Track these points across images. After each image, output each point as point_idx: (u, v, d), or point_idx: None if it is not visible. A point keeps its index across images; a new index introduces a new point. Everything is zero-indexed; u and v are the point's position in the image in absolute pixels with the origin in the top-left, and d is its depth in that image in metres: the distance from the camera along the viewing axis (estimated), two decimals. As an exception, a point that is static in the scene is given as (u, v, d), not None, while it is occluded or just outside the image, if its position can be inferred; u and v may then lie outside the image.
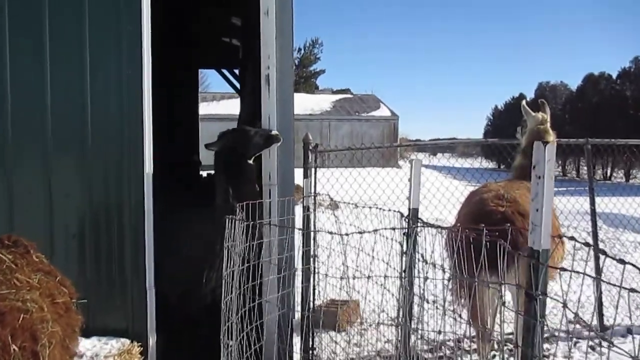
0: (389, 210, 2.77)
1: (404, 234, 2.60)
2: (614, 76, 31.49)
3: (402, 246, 2.57)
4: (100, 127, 4.03)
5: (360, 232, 2.12)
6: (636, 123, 26.15)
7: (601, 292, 5.44)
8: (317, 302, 4.71)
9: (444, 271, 2.08)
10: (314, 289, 4.52)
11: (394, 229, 2.57)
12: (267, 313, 3.67)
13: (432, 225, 2.15)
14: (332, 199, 4.20)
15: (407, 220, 2.58)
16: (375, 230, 2.09)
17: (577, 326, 5.15)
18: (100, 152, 4.05)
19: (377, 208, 2.98)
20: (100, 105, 4.03)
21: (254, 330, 2.99)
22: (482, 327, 3.62)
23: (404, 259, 2.57)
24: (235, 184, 4.29)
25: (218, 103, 32.67)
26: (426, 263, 2.26)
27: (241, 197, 4.13)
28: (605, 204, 7.28)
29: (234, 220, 2.96)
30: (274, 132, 4.24)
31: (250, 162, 4.37)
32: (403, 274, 2.59)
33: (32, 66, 3.95)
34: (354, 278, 2.69)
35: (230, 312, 2.87)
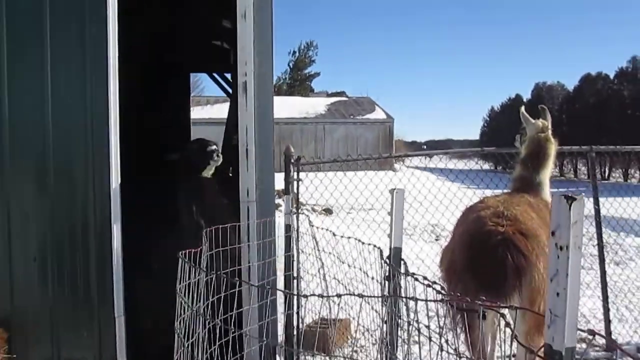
0: (369, 244, 2.43)
1: (385, 277, 2.26)
2: (612, 76, 31.21)
3: (381, 288, 2.24)
4: (61, 137, 3.71)
5: (338, 295, 1.78)
6: (634, 123, 25.90)
7: (608, 309, 5.10)
8: (307, 321, 4.38)
9: (428, 328, 1.74)
10: (298, 311, 4.20)
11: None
12: (249, 345, 3.35)
13: (418, 277, 1.80)
14: (311, 224, 3.86)
15: (387, 262, 2.23)
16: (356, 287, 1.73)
17: (583, 345, 4.80)
18: (62, 166, 3.72)
19: (356, 240, 2.64)
20: (61, 111, 3.70)
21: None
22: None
23: (384, 308, 2.23)
24: (196, 199, 4.08)
25: (212, 107, 32.30)
26: (411, 320, 1.93)
27: (205, 212, 3.94)
28: (605, 206, 6.96)
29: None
30: (213, 147, 4.16)
31: (207, 175, 4.23)
32: (384, 320, 2.26)
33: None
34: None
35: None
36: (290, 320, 3.91)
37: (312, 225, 3.73)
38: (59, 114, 3.71)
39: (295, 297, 3.93)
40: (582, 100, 31.14)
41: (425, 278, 1.77)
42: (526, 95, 36.78)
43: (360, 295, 1.72)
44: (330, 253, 3.14)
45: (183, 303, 2.33)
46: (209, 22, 8.79)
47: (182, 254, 2.42)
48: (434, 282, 1.73)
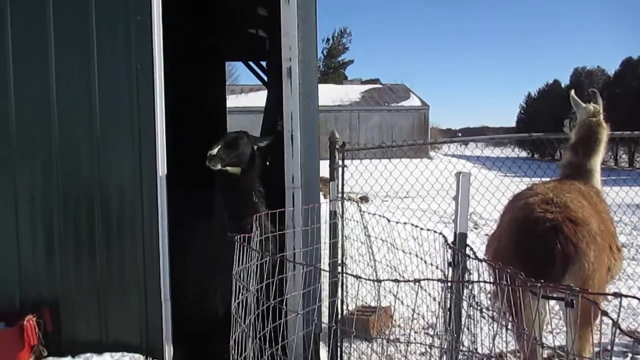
0: (427, 230, 2.36)
1: (448, 264, 2.20)
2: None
3: (444, 276, 2.17)
4: (107, 126, 3.75)
5: (396, 281, 1.71)
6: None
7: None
8: (350, 308, 4.36)
9: (493, 319, 1.67)
10: (342, 298, 4.18)
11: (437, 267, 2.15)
12: (293, 330, 3.35)
13: (485, 261, 1.74)
14: (360, 210, 3.80)
15: (452, 248, 2.16)
16: (415, 282, 1.67)
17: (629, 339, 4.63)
18: (111, 154, 3.76)
19: (412, 225, 2.58)
20: (109, 103, 3.74)
21: (279, 350, 2.64)
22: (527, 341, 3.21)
23: (446, 294, 2.16)
24: (225, 195, 3.90)
25: (247, 95, 32.47)
26: (477, 305, 1.87)
27: (231, 209, 3.82)
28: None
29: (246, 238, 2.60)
30: (212, 151, 3.68)
31: (235, 172, 3.87)
32: (447, 319, 2.18)
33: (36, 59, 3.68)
34: (395, 281, 2.24)
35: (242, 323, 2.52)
36: (334, 306, 3.88)
37: (363, 212, 3.68)
38: (105, 103, 3.75)
39: (339, 283, 3.90)
40: (624, 85, 30.11)
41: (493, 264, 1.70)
42: (565, 81, 35.87)
43: (416, 280, 1.67)
44: (384, 240, 3.08)
45: (240, 286, 2.31)
46: (245, 10, 8.79)
47: (238, 238, 2.41)
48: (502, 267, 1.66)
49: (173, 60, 3.85)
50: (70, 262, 3.76)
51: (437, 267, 2.29)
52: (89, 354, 3.64)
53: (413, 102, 34.83)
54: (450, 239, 2.34)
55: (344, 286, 4.11)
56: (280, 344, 2.74)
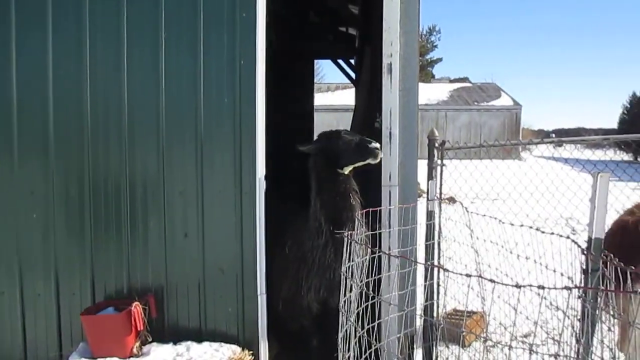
0: (552, 233, 2.20)
1: (582, 270, 2.04)
2: None
3: (572, 283, 2.01)
4: (212, 121, 3.85)
5: (518, 286, 1.58)
6: None
7: None
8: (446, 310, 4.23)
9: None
10: (437, 298, 4.06)
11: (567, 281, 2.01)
12: (391, 330, 3.30)
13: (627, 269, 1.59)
14: (465, 209, 3.65)
15: (586, 254, 2.01)
16: (541, 288, 1.53)
17: None
18: (211, 153, 3.87)
19: (535, 229, 2.42)
20: (212, 99, 3.84)
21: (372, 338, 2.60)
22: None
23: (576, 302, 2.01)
24: (324, 195, 3.82)
25: (333, 94, 32.71)
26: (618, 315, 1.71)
27: (329, 210, 3.75)
28: None
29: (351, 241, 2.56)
30: (373, 144, 3.67)
31: (344, 172, 3.81)
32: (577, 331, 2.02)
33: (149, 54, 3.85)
34: (517, 286, 2.10)
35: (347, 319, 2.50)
36: (430, 309, 3.78)
37: (469, 212, 3.55)
38: (209, 104, 3.86)
39: (435, 286, 3.79)
40: None
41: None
42: (675, 79, 33.00)
43: (568, 288, 1.55)
44: (493, 242, 2.94)
45: (349, 282, 2.30)
46: (337, 7, 8.81)
47: (347, 235, 2.39)
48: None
49: (267, 58, 3.87)
50: (177, 253, 3.91)
51: (561, 274, 2.14)
52: (189, 342, 3.76)
53: (504, 101, 33.59)
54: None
55: (440, 288, 3.99)
56: (379, 344, 2.69)
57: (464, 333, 4.08)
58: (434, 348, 3.84)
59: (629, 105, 39.69)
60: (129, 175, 3.89)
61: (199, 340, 3.81)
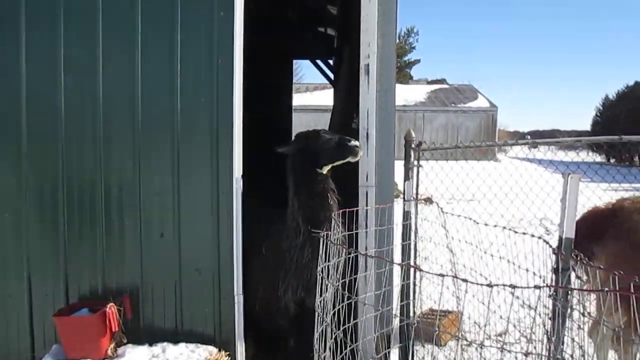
0: (524, 233, 2.24)
1: (553, 269, 2.08)
2: None
3: (544, 282, 2.05)
4: (188, 124, 3.82)
5: (490, 285, 1.61)
6: None
7: None
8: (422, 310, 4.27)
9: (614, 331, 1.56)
10: (413, 298, 4.09)
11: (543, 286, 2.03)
12: (367, 330, 3.31)
13: (601, 268, 1.63)
14: (441, 210, 3.70)
15: (557, 253, 2.05)
16: (513, 287, 1.56)
17: None
18: (188, 153, 3.84)
19: (508, 230, 2.47)
20: (189, 96, 3.82)
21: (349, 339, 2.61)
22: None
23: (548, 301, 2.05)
24: (302, 195, 3.80)
25: (311, 94, 32.72)
26: (588, 315, 1.76)
27: (307, 211, 3.75)
28: None
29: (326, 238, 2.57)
30: (353, 142, 3.68)
31: (323, 172, 3.80)
32: (547, 328, 2.07)
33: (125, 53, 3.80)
34: (489, 286, 2.13)
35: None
36: (406, 309, 3.81)
37: (445, 212, 3.59)
38: (186, 103, 3.83)
39: (412, 286, 3.83)
40: None
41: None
42: (647, 84, 33.77)
43: (538, 287, 1.58)
44: (468, 242, 2.99)
45: (325, 283, 2.30)
46: (316, 8, 8.82)
47: (323, 235, 2.39)
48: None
49: (245, 57, 3.86)
50: (153, 253, 3.88)
51: (534, 274, 2.18)
52: (165, 343, 3.73)
53: (481, 103, 34.00)
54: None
55: (416, 288, 4.03)
56: (355, 344, 2.71)
57: (438, 332, 4.12)
58: (410, 347, 3.87)
59: (601, 108, 40.52)
60: (104, 175, 3.84)
61: (175, 341, 3.78)
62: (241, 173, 3.83)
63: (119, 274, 3.88)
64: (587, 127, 43.15)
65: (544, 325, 2.11)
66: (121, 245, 3.87)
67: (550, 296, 2.04)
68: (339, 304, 2.62)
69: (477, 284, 1.76)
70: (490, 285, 1.67)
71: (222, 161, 3.81)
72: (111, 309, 3.62)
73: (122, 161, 3.84)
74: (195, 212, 3.86)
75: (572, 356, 1.98)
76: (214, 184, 3.83)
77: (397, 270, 3.96)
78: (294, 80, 13.81)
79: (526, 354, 1.79)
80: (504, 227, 2.58)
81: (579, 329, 2.07)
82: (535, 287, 1.61)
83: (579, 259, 1.96)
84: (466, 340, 3.62)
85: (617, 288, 1.56)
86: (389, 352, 3.83)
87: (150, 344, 3.73)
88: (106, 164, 3.83)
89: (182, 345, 3.76)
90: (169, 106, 3.80)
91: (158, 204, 3.86)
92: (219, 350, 3.77)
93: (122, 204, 3.86)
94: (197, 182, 3.85)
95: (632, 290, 1.60)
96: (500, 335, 4.75)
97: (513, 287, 1.67)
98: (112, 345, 3.65)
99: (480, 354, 3.25)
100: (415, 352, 3.99)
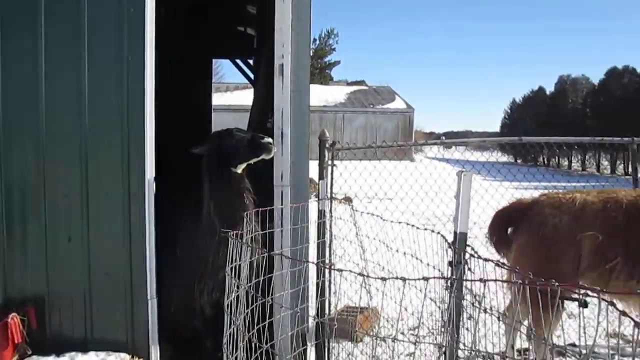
0: (425, 229, 2.36)
1: (448, 263, 2.20)
2: (639, 70, 30.44)
3: (449, 273, 2.16)
4: (97, 125, 3.69)
5: (383, 279, 1.69)
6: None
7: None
8: (338, 308, 4.35)
9: (499, 319, 1.68)
10: (329, 298, 4.17)
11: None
12: (281, 329, 3.33)
13: (491, 261, 1.74)
14: (353, 208, 3.79)
15: (452, 247, 2.17)
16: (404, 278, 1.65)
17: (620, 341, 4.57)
18: (97, 153, 3.70)
19: (410, 225, 2.57)
20: (97, 97, 3.68)
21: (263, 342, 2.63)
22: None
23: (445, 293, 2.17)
24: (218, 196, 3.79)
25: (232, 94, 32.37)
26: (479, 305, 1.87)
27: (224, 211, 3.73)
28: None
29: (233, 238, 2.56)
30: (266, 139, 3.71)
31: (238, 171, 3.81)
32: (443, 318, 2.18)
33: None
34: (382, 279, 2.22)
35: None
36: (322, 307, 3.87)
37: (355, 210, 3.67)
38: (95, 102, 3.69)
39: (327, 284, 3.89)
40: (608, 94, 30.46)
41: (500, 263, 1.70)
42: (549, 88, 36.17)
43: (403, 279, 1.67)
44: (375, 239, 3.08)
45: (233, 283, 2.30)
46: (234, 7, 8.75)
47: (231, 235, 2.39)
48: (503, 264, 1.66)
49: (160, 56, 3.78)
50: (60, 258, 3.70)
51: (434, 267, 2.30)
52: (73, 353, 3.57)
53: (398, 104, 35.04)
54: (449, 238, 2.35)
55: (332, 285, 4.10)
56: (270, 343, 2.72)
57: (352, 329, 4.22)
58: (326, 345, 3.94)
59: (509, 111, 42.94)
60: (5, 175, 3.64)
61: (85, 350, 3.63)
62: (154, 174, 3.74)
63: (22, 281, 3.68)
64: (498, 128, 45.56)
65: (442, 317, 2.23)
66: (24, 251, 3.67)
67: (446, 288, 2.16)
68: (252, 304, 2.63)
69: (374, 277, 1.84)
70: (383, 279, 1.75)
71: (133, 162, 3.70)
72: (13, 319, 3.43)
73: (25, 160, 3.65)
74: (105, 214, 3.73)
75: (464, 344, 2.10)
76: (125, 185, 3.71)
77: (312, 269, 4.02)
78: (214, 80, 13.63)
79: (415, 343, 1.89)
80: (407, 224, 2.70)
81: (469, 319, 2.19)
82: (424, 278, 1.70)
83: (475, 252, 2.08)
84: (378, 337, 3.73)
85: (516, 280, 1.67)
86: (304, 350, 3.88)
87: (57, 355, 3.55)
88: (7, 163, 3.62)
89: (92, 354, 3.61)
90: (76, 105, 3.65)
91: (65, 207, 3.70)
92: (132, 357, 3.66)
93: (25, 206, 3.67)
94: (107, 183, 3.71)
95: (524, 284, 1.71)
96: (414, 329, 4.93)
97: (403, 279, 1.75)
98: (15, 358, 3.45)
99: (392, 348, 3.37)
100: (331, 348, 4.06)
